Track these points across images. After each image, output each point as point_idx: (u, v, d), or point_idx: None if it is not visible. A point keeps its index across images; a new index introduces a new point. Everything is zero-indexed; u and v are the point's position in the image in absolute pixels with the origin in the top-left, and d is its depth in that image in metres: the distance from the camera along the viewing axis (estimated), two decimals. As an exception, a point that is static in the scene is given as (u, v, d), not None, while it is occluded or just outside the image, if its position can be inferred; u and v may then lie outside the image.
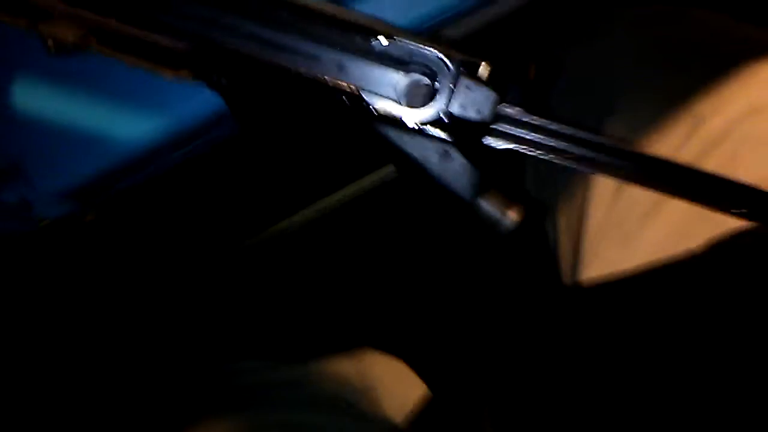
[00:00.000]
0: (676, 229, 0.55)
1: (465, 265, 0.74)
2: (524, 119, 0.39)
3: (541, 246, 0.66)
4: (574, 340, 0.56)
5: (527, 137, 0.39)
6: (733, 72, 0.57)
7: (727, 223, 0.53)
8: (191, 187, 0.60)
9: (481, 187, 0.40)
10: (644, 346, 0.53)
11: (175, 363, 0.70)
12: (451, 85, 0.38)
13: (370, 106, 0.39)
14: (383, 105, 0.39)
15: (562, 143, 0.39)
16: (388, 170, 0.76)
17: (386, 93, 0.39)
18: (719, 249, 0.52)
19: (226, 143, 0.48)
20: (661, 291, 0.54)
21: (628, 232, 0.57)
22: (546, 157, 0.39)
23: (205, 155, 0.49)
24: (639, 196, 0.57)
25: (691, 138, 0.56)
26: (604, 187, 0.60)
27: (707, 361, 0.51)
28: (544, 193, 0.66)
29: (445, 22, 0.48)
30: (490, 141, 0.39)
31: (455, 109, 0.38)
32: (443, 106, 0.38)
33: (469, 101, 0.38)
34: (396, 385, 0.68)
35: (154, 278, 0.71)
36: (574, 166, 0.39)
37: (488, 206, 0.40)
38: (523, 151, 0.39)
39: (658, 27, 0.64)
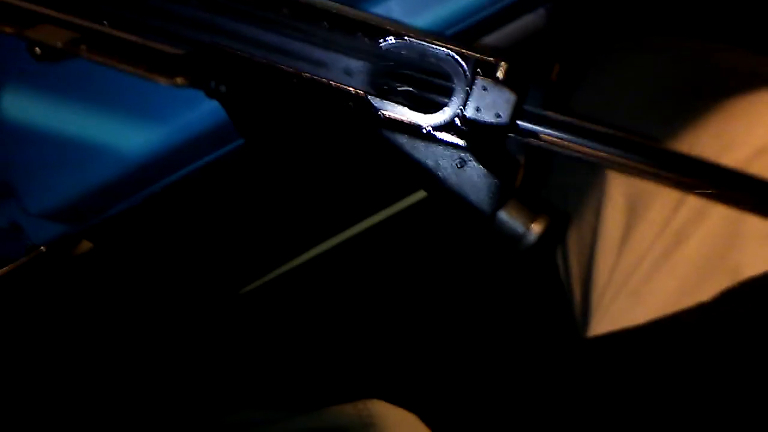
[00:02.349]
0: (685, 282, 0.55)
1: (476, 310, 0.71)
2: (546, 117, 0.36)
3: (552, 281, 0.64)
4: (588, 397, 0.55)
5: (549, 136, 0.36)
6: (739, 110, 0.57)
7: (738, 274, 0.53)
8: (192, 211, 0.57)
9: (501, 198, 0.37)
10: (658, 404, 0.52)
11: (173, 412, 0.67)
12: (466, 87, 0.35)
13: (379, 112, 0.36)
14: (393, 110, 0.36)
15: (586, 141, 0.36)
16: (394, 208, 0.74)
17: (396, 97, 0.36)
18: (730, 301, 0.52)
19: (229, 160, 0.45)
20: (673, 347, 0.54)
21: (637, 287, 0.56)
22: (568, 154, 0.36)
23: (208, 173, 0.46)
24: (644, 247, 0.57)
25: None
26: (611, 230, 0.59)
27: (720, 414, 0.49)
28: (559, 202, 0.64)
29: (464, 35, 0.45)
30: (510, 144, 0.36)
31: (471, 112, 0.35)
32: (458, 109, 0.35)
33: (486, 103, 0.35)
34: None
35: (151, 318, 0.68)
36: (598, 163, 0.36)
37: (510, 218, 0.37)
38: (545, 148, 0.36)
39: (666, 60, 0.63)
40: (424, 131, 0.36)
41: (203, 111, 0.42)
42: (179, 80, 0.36)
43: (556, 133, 0.36)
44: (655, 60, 0.64)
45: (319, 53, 0.36)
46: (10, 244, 0.46)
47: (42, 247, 0.46)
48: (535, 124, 0.36)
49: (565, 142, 0.36)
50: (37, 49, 0.36)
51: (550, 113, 0.36)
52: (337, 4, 0.36)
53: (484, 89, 0.35)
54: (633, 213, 0.58)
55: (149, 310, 0.67)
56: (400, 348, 0.72)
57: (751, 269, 0.54)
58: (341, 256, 0.73)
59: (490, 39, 0.48)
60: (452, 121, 0.36)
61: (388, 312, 0.73)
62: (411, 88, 0.36)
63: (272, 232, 0.69)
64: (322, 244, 0.73)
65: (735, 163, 0.55)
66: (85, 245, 0.52)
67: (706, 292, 0.54)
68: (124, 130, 0.42)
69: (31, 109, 0.42)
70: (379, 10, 0.42)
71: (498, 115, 0.35)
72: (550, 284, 0.64)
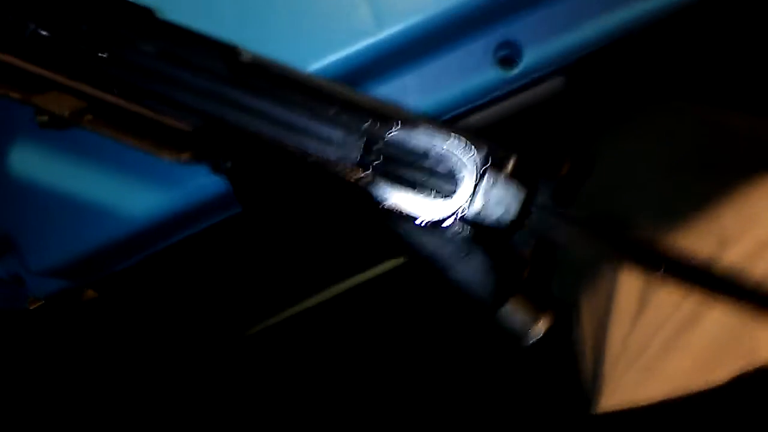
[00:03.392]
0: (699, 362, 0.53)
1: (481, 373, 0.70)
2: (554, 214, 0.35)
3: (564, 354, 0.63)
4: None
5: (557, 233, 0.35)
6: (759, 187, 0.56)
7: (754, 357, 0.51)
8: (191, 270, 0.56)
9: (506, 292, 0.35)
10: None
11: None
12: (474, 179, 0.34)
13: (383, 199, 0.35)
14: (398, 197, 0.35)
15: (594, 240, 0.35)
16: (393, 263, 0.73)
17: (402, 183, 0.35)
18: (743, 383, 0.50)
19: (227, 224, 0.45)
20: (683, 426, 0.52)
21: (650, 362, 0.55)
22: (575, 250, 0.35)
23: (207, 236, 0.45)
24: (659, 322, 0.56)
25: (717, 261, 0.55)
26: (626, 303, 0.57)
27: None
28: (568, 293, 0.63)
29: (473, 110, 0.44)
30: (516, 238, 0.35)
31: (478, 205, 0.34)
32: (465, 202, 0.34)
33: (494, 197, 0.34)
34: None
35: (157, 359, 0.67)
36: (606, 259, 0.35)
37: (514, 314, 0.35)
38: (552, 242, 0.35)
39: (685, 128, 0.62)
40: (430, 221, 0.35)
41: (207, 178, 0.41)
42: (184, 156, 0.36)
43: (564, 229, 0.35)
44: (673, 128, 0.63)
45: (327, 132, 0.36)
46: (12, 295, 0.46)
47: (42, 300, 0.46)
48: (542, 220, 0.35)
49: (573, 239, 0.35)
50: (42, 117, 0.36)
51: (558, 211, 0.34)
52: (347, 87, 0.35)
53: (492, 183, 0.34)
54: (649, 286, 0.57)
55: (155, 352, 0.67)
56: (405, 394, 0.71)
57: (760, 354, 0.53)
58: (350, 304, 0.73)
59: (506, 104, 0.47)
60: (458, 213, 0.35)
61: (393, 358, 0.72)
62: (418, 175, 0.35)
63: (275, 281, 0.69)
64: (330, 290, 0.73)
65: (753, 245, 0.54)
66: (90, 294, 0.52)
67: (720, 374, 0.53)
68: (127, 192, 0.42)
69: (37, 168, 0.42)
70: (395, 86, 0.41)
71: (505, 211, 0.34)
72: (560, 353, 0.63)
